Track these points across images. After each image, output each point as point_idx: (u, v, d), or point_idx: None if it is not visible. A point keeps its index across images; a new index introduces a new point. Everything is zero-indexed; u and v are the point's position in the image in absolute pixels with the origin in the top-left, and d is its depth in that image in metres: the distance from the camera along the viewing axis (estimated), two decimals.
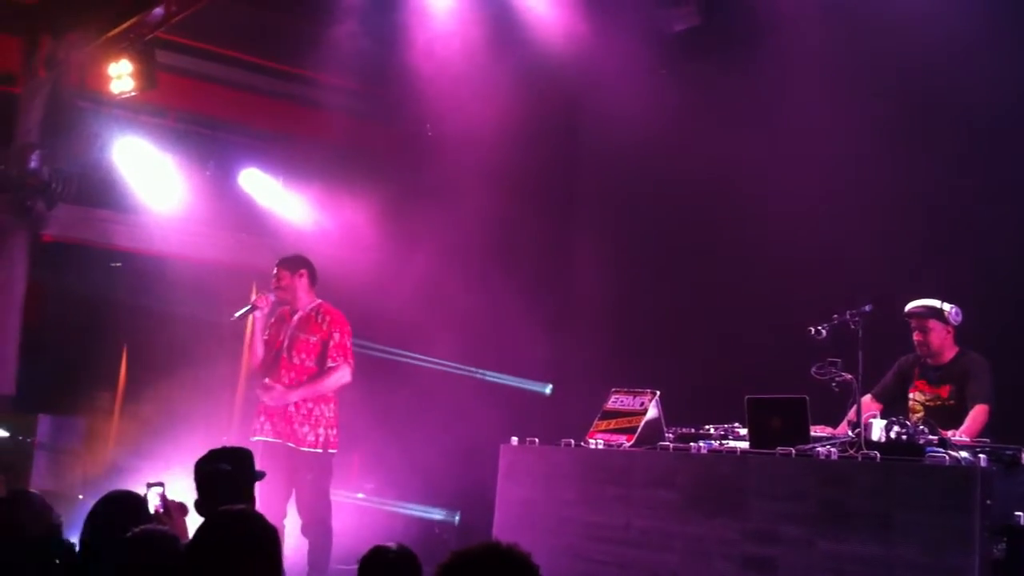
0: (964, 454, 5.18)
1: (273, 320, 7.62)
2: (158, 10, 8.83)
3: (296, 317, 7.49)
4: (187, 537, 4.33)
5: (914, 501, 4.99)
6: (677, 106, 8.53)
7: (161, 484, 4.66)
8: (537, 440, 6.98)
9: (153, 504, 4.57)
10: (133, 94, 9.36)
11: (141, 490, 4.52)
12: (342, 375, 7.36)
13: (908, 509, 4.98)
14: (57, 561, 4.18)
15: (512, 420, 7.85)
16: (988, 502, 4.82)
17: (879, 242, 7.33)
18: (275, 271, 7.59)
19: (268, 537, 3.39)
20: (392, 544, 3.86)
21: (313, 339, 7.38)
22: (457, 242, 9.94)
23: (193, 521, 4.39)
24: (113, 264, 11.28)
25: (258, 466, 5.02)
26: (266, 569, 3.33)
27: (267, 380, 7.36)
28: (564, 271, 9.51)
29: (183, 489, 4.80)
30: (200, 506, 4.42)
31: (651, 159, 8.79)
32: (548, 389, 9.65)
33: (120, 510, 4.21)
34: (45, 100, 9.98)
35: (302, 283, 7.52)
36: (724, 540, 5.63)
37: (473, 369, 9.79)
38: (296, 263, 7.57)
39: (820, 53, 7.65)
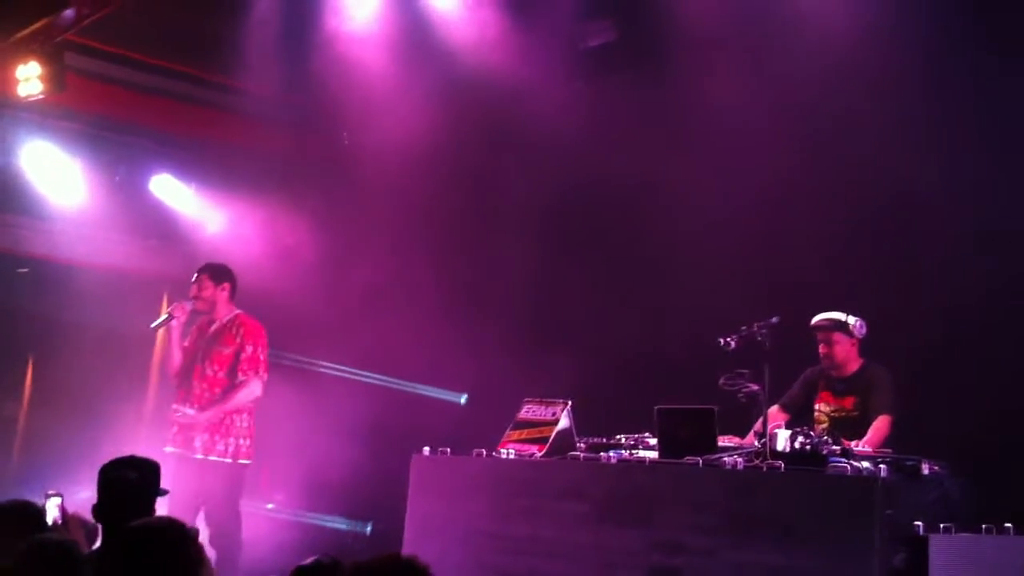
0: (866, 464, 5.29)
1: (193, 327, 7.54)
2: (69, 12, 8.65)
3: (213, 328, 7.42)
4: (85, 549, 4.26)
5: (816, 510, 5.08)
6: (593, 118, 8.61)
7: (60, 495, 4.58)
8: (449, 450, 6.97)
9: (52, 515, 4.49)
10: (41, 97, 9.16)
11: (39, 500, 4.44)
12: (252, 389, 7.31)
13: (810, 518, 5.08)
14: None
15: (426, 430, 7.82)
16: (888, 512, 4.93)
17: (787, 255, 7.45)
18: (196, 277, 7.50)
19: (183, 545, 3.35)
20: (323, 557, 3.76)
21: (227, 351, 7.32)
22: (372, 250, 9.90)
23: None
24: (19, 270, 11.02)
25: (169, 476, 4.95)
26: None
27: (175, 406, 7.28)
28: (480, 279, 9.50)
29: (88, 500, 4.71)
30: (97, 512, 4.33)
31: (568, 170, 8.85)
32: (463, 399, 9.63)
33: (15, 520, 4.11)
34: None
35: (223, 295, 7.47)
36: (631, 550, 5.67)
37: (388, 378, 9.74)
38: (220, 274, 7.51)
39: (732, 68, 7.77)
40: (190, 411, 7.17)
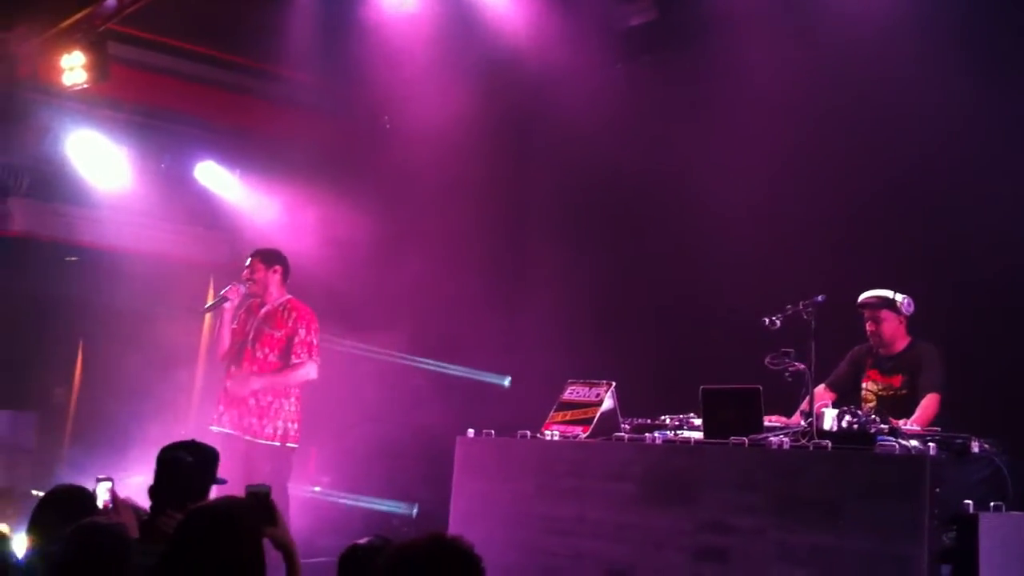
0: (914, 443, 5.23)
1: (242, 311, 7.59)
2: (111, 1, 8.72)
3: (263, 311, 7.47)
4: (134, 532, 4.31)
5: (864, 490, 5.03)
6: (631, 100, 8.57)
7: (110, 479, 4.63)
8: (493, 432, 6.98)
9: (102, 499, 4.54)
10: (86, 86, 9.24)
11: (91, 485, 4.49)
12: (307, 371, 7.36)
13: (858, 498, 5.03)
14: None
15: (470, 412, 7.84)
16: (937, 490, 4.87)
17: (833, 232, 7.39)
18: (249, 261, 7.55)
19: (248, 528, 3.42)
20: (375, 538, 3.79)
21: (278, 334, 7.36)
22: (415, 235, 9.93)
23: None
24: (68, 258, 11.17)
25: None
26: (250, 558, 3.35)
27: (227, 384, 7.35)
28: (522, 263, 9.51)
29: (137, 484, 4.77)
30: (154, 492, 4.37)
31: (607, 152, 8.81)
32: (507, 381, 9.64)
33: (68, 505, 4.16)
34: None
35: (275, 278, 7.52)
36: (677, 531, 5.65)
37: (431, 361, 9.77)
38: (272, 258, 7.56)
39: (774, 48, 7.70)
40: (247, 376, 7.20)
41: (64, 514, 4.00)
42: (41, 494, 4.74)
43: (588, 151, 8.95)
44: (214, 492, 4.80)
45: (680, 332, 8.12)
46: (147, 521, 4.24)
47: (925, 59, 6.81)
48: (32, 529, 4.20)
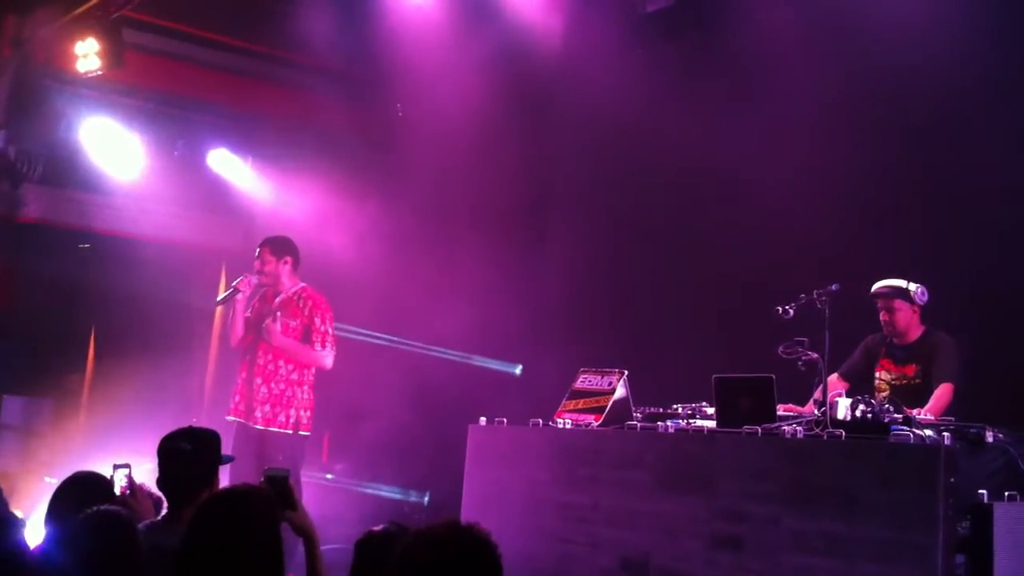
0: (929, 432, 5.22)
1: (256, 299, 7.60)
2: None
3: (278, 300, 7.47)
4: (150, 518, 4.34)
5: (879, 479, 5.03)
6: (651, 86, 8.52)
7: (127, 466, 4.65)
8: (505, 420, 6.99)
9: (119, 485, 4.57)
10: (100, 73, 9.25)
11: (108, 472, 4.51)
12: (325, 357, 7.35)
13: (873, 487, 5.02)
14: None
15: (484, 400, 7.85)
16: (952, 480, 4.87)
17: (847, 222, 7.37)
18: (258, 252, 7.54)
19: (267, 511, 3.45)
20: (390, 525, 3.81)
21: (293, 323, 7.36)
22: (427, 223, 9.93)
23: None
24: (81, 245, 11.20)
25: (230, 446, 5.02)
26: (268, 542, 3.37)
27: (242, 374, 7.35)
28: (535, 251, 9.50)
29: (149, 471, 4.79)
30: (161, 483, 4.41)
31: (624, 139, 8.80)
32: (518, 369, 9.66)
33: (85, 491, 4.18)
34: (10, 79, 9.86)
35: (286, 268, 7.50)
36: (692, 518, 5.67)
37: (444, 350, 9.78)
38: (281, 247, 7.53)
39: (794, 33, 7.68)
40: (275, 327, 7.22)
41: (82, 500, 4.01)
42: (55, 480, 4.76)
43: (607, 137, 8.94)
44: (227, 474, 4.83)
45: (693, 320, 8.11)
46: (171, 508, 4.27)
47: (969, 30, 6.77)
48: (50, 515, 4.21)
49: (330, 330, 7.40)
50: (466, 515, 6.73)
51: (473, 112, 9.20)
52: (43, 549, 4.06)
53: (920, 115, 7.16)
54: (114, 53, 9.10)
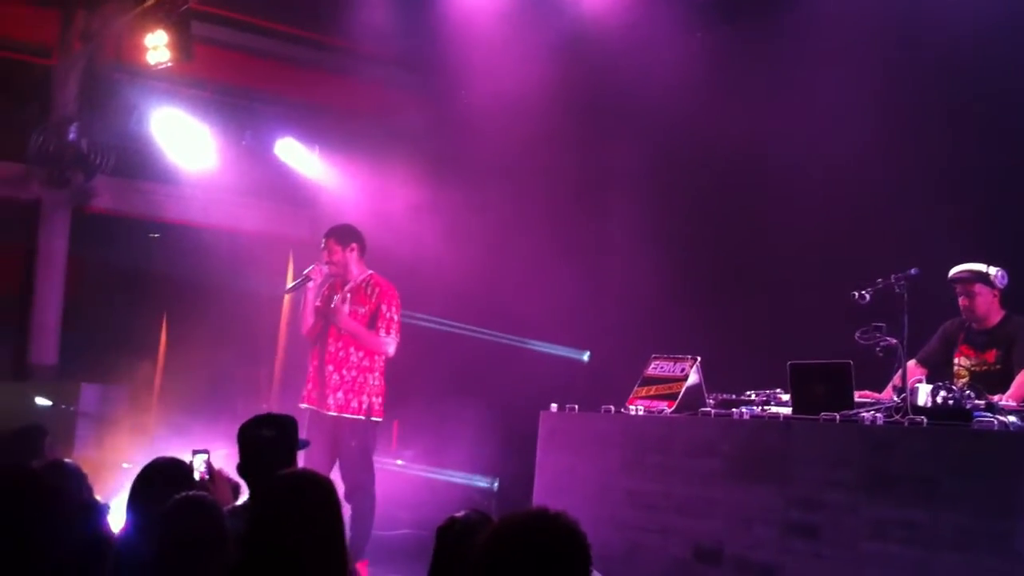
0: (1012, 419, 5.12)
1: (325, 288, 7.63)
2: None
3: (347, 288, 7.49)
4: (229, 504, 4.38)
5: (962, 466, 4.94)
6: (712, 69, 8.43)
7: (206, 451, 4.71)
8: (577, 407, 6.96)
9: (198, 471, 4.62)
10: (169, 65, 9.36)
11: (186, 457, 4.56)
12: (388, 346, 7.36)
13: (955, 474, 4.93)
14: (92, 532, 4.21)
15: (551, 387, 7.83)
16: None
17: (925, 205, 7.22)
18: (324, 243, 7.56)
19: (328, 495, 3.46)
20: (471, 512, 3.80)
21: (362, 310, 7.38)
22: (493, 210, 9.91)
23: None
24: (151, 235, 11.36)
25: (304, 432, 5.05)
26: (329, 524, 3.39)
27: (314, 363, 7.40)
28: (602, 237, 9.44)
29: (225, 457, 4.84)
30: (241, 469, 4.45)
31: (687, 123, 8.68)
32: (585, 356, 9.62)
33: (166, 477, 4.23)
34: (81, 72, 10.03)
35: (352, 256, 7.50)
36: (766, 506, 5.60)
37: (512, 337, 9.77)
38: (346, 236, 7.53)
39: (858, 14, 7.54)
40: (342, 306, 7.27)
41: (164, 486, 4.06)
42: (132, 466, 4.82)
43: (668, 122, 8.83)
44: (301, 460, 4.88)
45: (767, 306, 8.00)
46: (252, 493, 4.32)
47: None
48: (132, 501, 4.26)
49: (395, 317, 7.41)
50: (537, 501, 6.73)
51: (535, 97, 9.15)
52: (127, 534, 4.13)
53: (1000, 96, 6.99)
54: (183, 45, 9.20)
